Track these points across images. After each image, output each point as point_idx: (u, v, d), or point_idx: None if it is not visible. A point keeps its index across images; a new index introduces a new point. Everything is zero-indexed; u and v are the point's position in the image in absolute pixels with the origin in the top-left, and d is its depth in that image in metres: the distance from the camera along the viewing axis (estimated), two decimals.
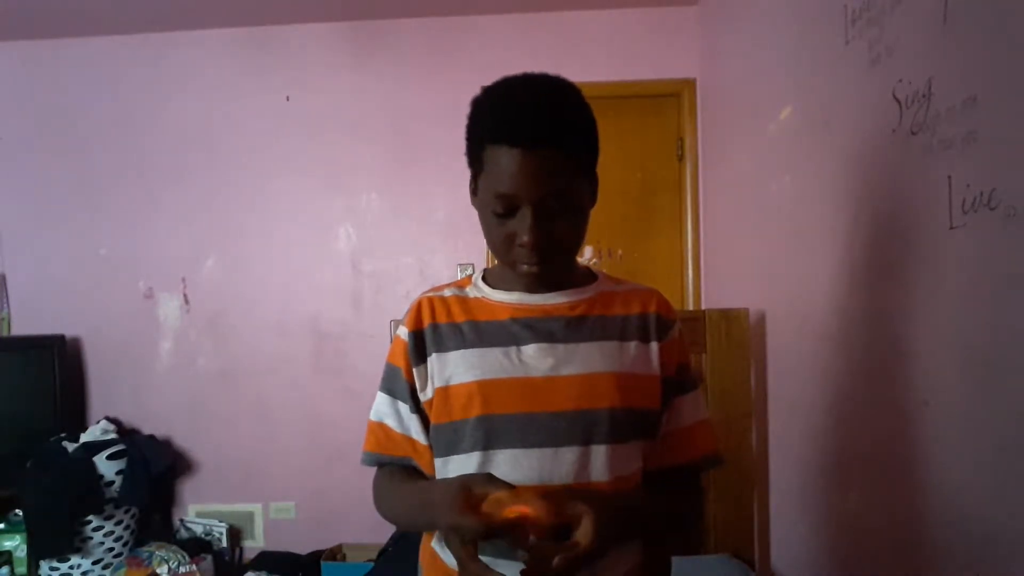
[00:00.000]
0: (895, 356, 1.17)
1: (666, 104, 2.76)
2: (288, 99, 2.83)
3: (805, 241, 1.59)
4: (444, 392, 0.84)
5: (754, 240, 2.02)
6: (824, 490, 1.50)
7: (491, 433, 0.81)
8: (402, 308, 3.26)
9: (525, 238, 0.77)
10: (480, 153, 0.79)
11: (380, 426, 0.91)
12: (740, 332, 1.88)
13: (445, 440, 0.84)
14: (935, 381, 1.05)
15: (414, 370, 0.87)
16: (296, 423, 2.80)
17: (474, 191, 0.86)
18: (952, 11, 0.98)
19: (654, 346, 0.88)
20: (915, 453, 1.10)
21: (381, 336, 2.54)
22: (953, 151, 0.97)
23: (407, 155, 2.81)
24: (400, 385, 0.89)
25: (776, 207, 1.78)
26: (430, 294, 0.91)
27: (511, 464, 0.79)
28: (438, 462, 0.86)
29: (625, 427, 0.83)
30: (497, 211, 0.78)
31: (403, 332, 0.89)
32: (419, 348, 0.87)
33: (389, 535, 2.28)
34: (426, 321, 0.88)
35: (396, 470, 0.91)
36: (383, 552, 2.25)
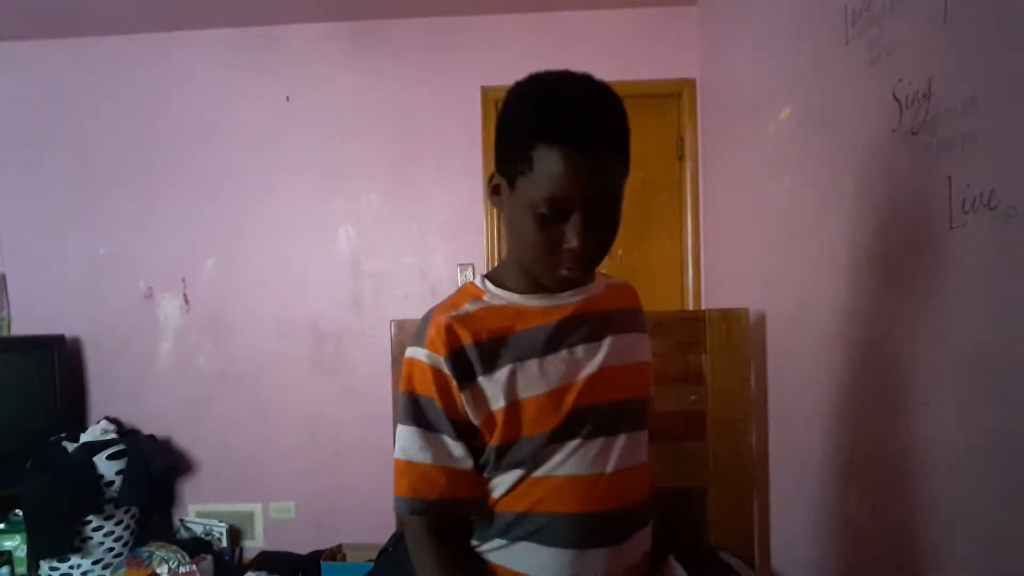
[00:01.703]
0: (895, 356, 1.17)
1: (666, 104, 2.76)
2: (288, 99, 2.83)
3: (805, 241, 1.59)
4: (513, 409, 0.81)
5: (754, 240, 2.02)
6: (824, 490, 1.50)
7: (561, 434, 0.83)
8: (402, 308, 3.27)
9: (575, 243, 0.75)
10: (528, 152, 0.74)
11: (412, 466, 0.83)
12: (740, 332, 1.87)
13: (519, 456, 0.82)
14: (935, 381, 1.05)
15: (461, 395, 0.80)
16: (296, 423, 2.80)
17: (498, 190, 0.83)
18: (952, 11, 0.98)
19: (646, 336, 0.97)
20: (915, 453, 1.10)
21: (381, 336, 2.54)
22: (953, 151, 0.97)
23: (407, 155, 2.81)
24: (433, 413, 0.82)
25: (776, 207, 1.78)
26: (452, 313, 0.83)
27: (577, 456, 0.83)
28: (509, 476, 0.84)
29: (644, 413, 0.92)
30: (543, 213, 0.75)
31: (431, 357, 0.81)
32: (463, 370, 0.81)
33: (389, 535, 2.28)
34: (464, 340, 0.81)
35: (445, 537, 0.85)
36: (383, 552, 2.25)
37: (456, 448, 0.82)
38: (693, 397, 1.87)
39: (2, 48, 2.85)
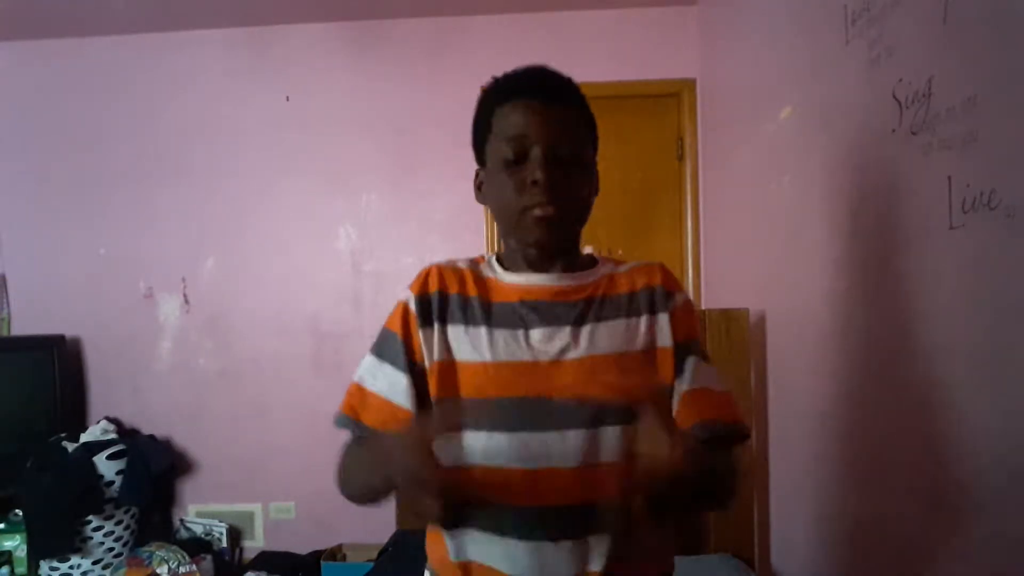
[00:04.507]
0: (895, 356, 1.17)
1: (666, 104, 2.76)
2: (288, 99, 2.83)
3: (805, 241, 1.59)
4: (449, 366, 0.83)
5: (754, 240, 2.02)
6: (824, 490, 1.50)
7: (497, 415, 0.79)
8: None
9: (538, 174, 0.78)
10: (488, 120, 0.83)
11: (359, 389, 0.90)
12: (740, 332, 1.88)
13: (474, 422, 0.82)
14: (935, 381, 1.05)
15: (419, 333, 0.84)
16: (296, 423, 2.80)
17: (479, 183, 0.88)
18: (952, 11, 0.98)
19: (663, 317, 0.85)
20: (915, 452, 1.10)
21: None
22: (953, 151, 0.97)
23: (407, 155, 2.81)
24: (393, 347, 0.86)
25: (776, 207, 1.78)
26: (442, 263, 0.90)
27: (517, 447, 0.78)
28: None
29: (619, 411, 0.79)
30: (508, 159, 0.80)
31: (407, 296, 0.87)
32: (425, 313, 0.85)
33: (389, 535, 2.28)
34: (433, 287, 0.86)
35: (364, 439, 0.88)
36: (383, 552, 2.25)
37: (400, 382, 0.85)
38: None
39: (2, 48, 2.85)
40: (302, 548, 2.72)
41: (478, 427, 0.80)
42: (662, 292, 0.86)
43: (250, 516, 2.85)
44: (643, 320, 0.84)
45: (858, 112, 1.28)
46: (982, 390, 0.94)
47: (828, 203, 1.44)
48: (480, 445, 0.80)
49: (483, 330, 0.83)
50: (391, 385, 0.86)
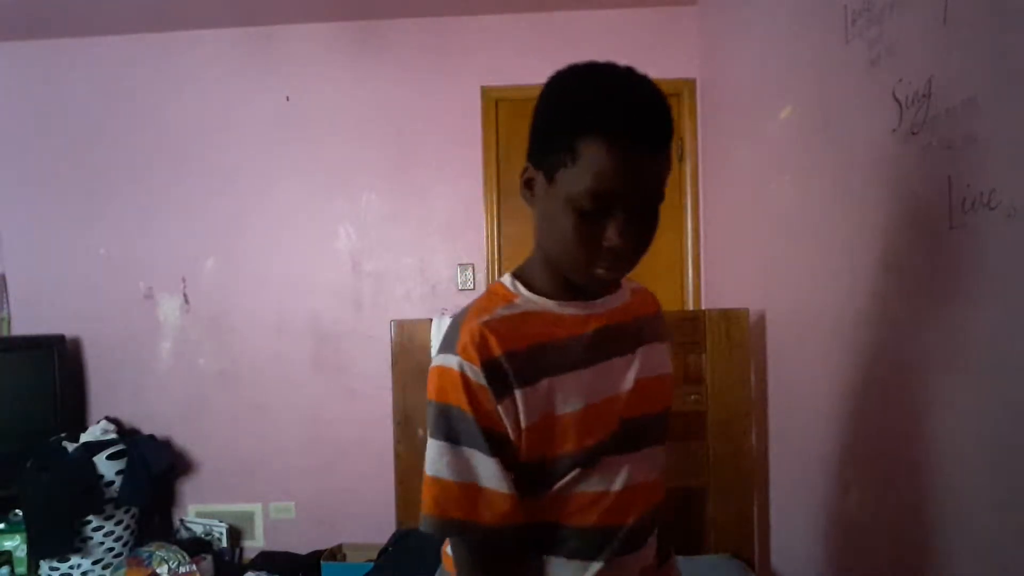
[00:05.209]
0: (895, 356, 1.17)
1: None
2: (288, 99, 2.83)
3: (805, 241, 1.59)
4: (542, 425, 0.74)
5: (754, 240, 2.02)
6: (824, 490, 1.50)
7: (599, 451, 0.78)
8: (402, 308, 3.25)
9: (617, 241, 0.71)
10: (572, 143, 0.70)
11: (455, 486, 0.73)
12: (740, 332, 1.87)
13: (552, 472, 0.77)
14: (935, 381, 1.05)
15: (497, 406, 0.72)
16: (296, 423, 2.80)
17: (531, 184, 0.77)
18: (952, 11, 0.98)
19: (668, 346, 0.92)
20: (915, 453, 1.10)
21: (381, 336, 2.54)
22: (953, 151, 0.97)
23: (407, 155, 2.81)
24: (468, 429, 0.73)
25: (776, 207, 1.78)
26: (485, 319, 0.75)
27: (616, 470, 0.81)
28: (541, 491, 0.78)
29: (667, 426, 0.90)
30: (584, 208, 0.70)
31: (463, 366, 0.72)
32: (499, 382, 0.73)
33: (389, 535, 2.28)
34: (497, 350, 0.73)
35: (501, 564, 0.76)
36: (383, 552, 2.24)
37: (491, 465, 0.73)
38: (693, 397, 1.87)
39: (2, 48, 2.85)
40: (302, 548, 2.72)
41: (589, 467, 0.79)
42: (662, 321, 0.93)
43: (250, 516, 2.85)
44: (663, 347, 0.91)
45: (858, 112, 1.28)
46: (982, 390, 0.94)
47: (828, 203, 1.44)
48: (589, 482, 0.80)
49: (570, 375, 0.77)
50: (486, 470, 0.73)
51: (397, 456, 1.87)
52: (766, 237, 1.88)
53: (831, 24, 1.38)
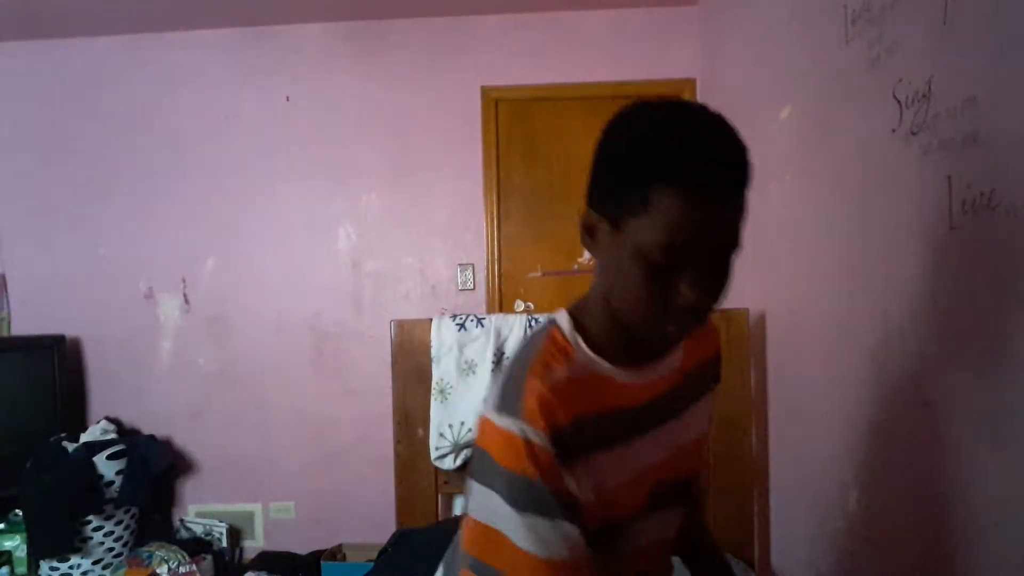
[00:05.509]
0: (895, 356, 1.17)
1: None
2: (288, 99, 2.83)
3: (805, 241, 1.59)
4: (601, 496, 0.72)
5: (754, 240, 2.02)
6: (824, 490, 1.50)
7: (626, 522, 0.77)
8: (402, 308, 3.23)
9: (691, 299, 0.66)
10: (643, 190, 0.64)
11: (543, 563, 0.67)
12: (740, 332, 1.87)
13: (597, 540, 0.74)
14: (936, 381, 1.05)
15: (567, 475, 0.69)
16: (296, 423, 2.80)
17: (593, 231, 0.72)
18: (952, 11, 0.97)
19: (717, 389, 0.91)
20: (915, 453, 1.10)
21: (381, 336, 2.54)
22: (953, 151, 0.97)
23: (407, 155, 2.81)
24: (543, 498, 0.68)
25: (776, 207, 1.78)
26: (549, 382, 0.70)
27: (634, 533, 0.79)
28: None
29: (693, 488, 0.90)
30: (657, 262, 0.65)
31: (528, 433, 0.67)
32: (567, 450, 0.69)
33: (389, 535, 2.28)
34: (564, 419, 0.69)
35: None
36: (383, 552, 2.24)
37: (573, 533, 0.69)
38: None
39: (2, 48, 2.85)
40: (302, 548, 2.72)
41: (632, 525, 0.78)
42: (718, 362, 0.90)
43: (250, 516, 2.85)
44: (709, 399, 0.88)
45: (858, 112, 1.28)
46: (982, 390, 0.94)
47: (828, 203, 1.44)
48: (628, 539, 0.79)
49: (626, 447, 0.75)
50: (565, 539, 0.68)
51: (397, 456, 1.87)
52: (766, 237, 1.88)
53: (831, 24, 1.38)
